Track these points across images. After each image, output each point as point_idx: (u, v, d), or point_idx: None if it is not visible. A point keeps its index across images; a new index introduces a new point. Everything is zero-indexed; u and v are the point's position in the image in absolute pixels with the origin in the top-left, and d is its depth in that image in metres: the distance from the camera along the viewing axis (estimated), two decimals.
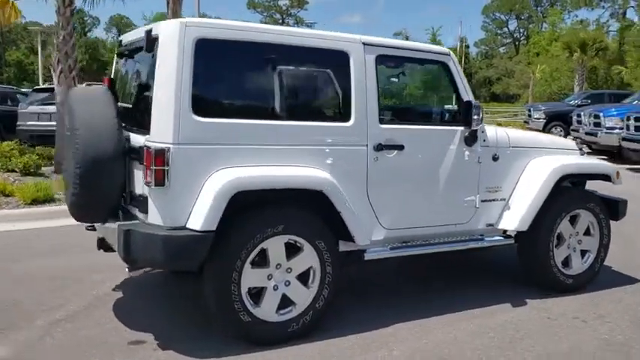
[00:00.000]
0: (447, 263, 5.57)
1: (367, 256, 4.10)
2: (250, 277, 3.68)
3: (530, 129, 18.88)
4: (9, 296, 4.60)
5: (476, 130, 4.39)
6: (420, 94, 6.18)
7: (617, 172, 5.10)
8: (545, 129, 20.10)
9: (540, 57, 45.67)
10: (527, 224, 4.60)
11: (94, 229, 4.55)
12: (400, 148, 4.15)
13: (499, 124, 15.76)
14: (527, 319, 4.34)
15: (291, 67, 4.01)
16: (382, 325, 4.12)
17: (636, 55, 31.90)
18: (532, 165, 4.76)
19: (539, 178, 4.65)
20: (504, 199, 4.68)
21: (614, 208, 5.10)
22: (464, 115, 4.37)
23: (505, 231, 4.73)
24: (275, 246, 3.74)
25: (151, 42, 3.67)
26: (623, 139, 14.09)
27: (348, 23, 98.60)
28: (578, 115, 18.18)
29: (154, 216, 3.55)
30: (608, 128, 15.54)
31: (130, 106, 4.11)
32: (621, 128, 14.79)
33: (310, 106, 4.15)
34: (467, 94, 4.43)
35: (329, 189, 3.80)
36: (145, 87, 3.90)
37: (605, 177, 5.09)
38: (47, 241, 6.32)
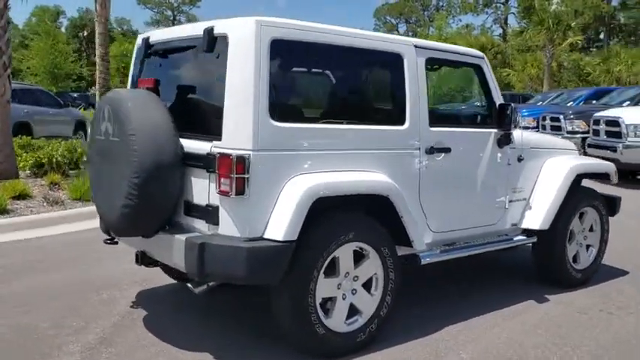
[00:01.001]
0: (453, 265, 5.63)
1: (424, 261, 4.06)
2: (324, 287, 3.54)
3: None
4: (19, 320, 4.13)
5: (510, 133, 4.49)
6: (456, 96, 6.23)
7: (615, 171, 5.42)
8: None
9: None
10: (549, 222, 4.76)
11: (115, 243, 4.20)
12: (447, 150, 4.15)
13: None
14: (560, 314, 4.49)
15: (357, 70, 3.90)
16: (433, 329, 4.08)
17: (522, 59, 34.05)
18: (548, 165, 4.93)
19: (558, 178, 4.83)
20: (525, 199, 4.82)
21: (612, 205, 5.40)
22: (498, 118, 4.46)
23: (524, 229, 4.87)
24: (345, 254, 3.62)
25: (212, 41, 3.42)
26: None
27: None
28: None
29: (228, 227, 3.31)
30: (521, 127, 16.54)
31: (178, 109, 3.79)
32: (534, 127, 15.79)
33: (373, 109, 4.06)
34: (499, 97, 4.53)
35: (394, 194, 3.73)
36: (204, 89, 3.64)
37: (605, 175, 5.39)
38: (24, 257, 5.74)
